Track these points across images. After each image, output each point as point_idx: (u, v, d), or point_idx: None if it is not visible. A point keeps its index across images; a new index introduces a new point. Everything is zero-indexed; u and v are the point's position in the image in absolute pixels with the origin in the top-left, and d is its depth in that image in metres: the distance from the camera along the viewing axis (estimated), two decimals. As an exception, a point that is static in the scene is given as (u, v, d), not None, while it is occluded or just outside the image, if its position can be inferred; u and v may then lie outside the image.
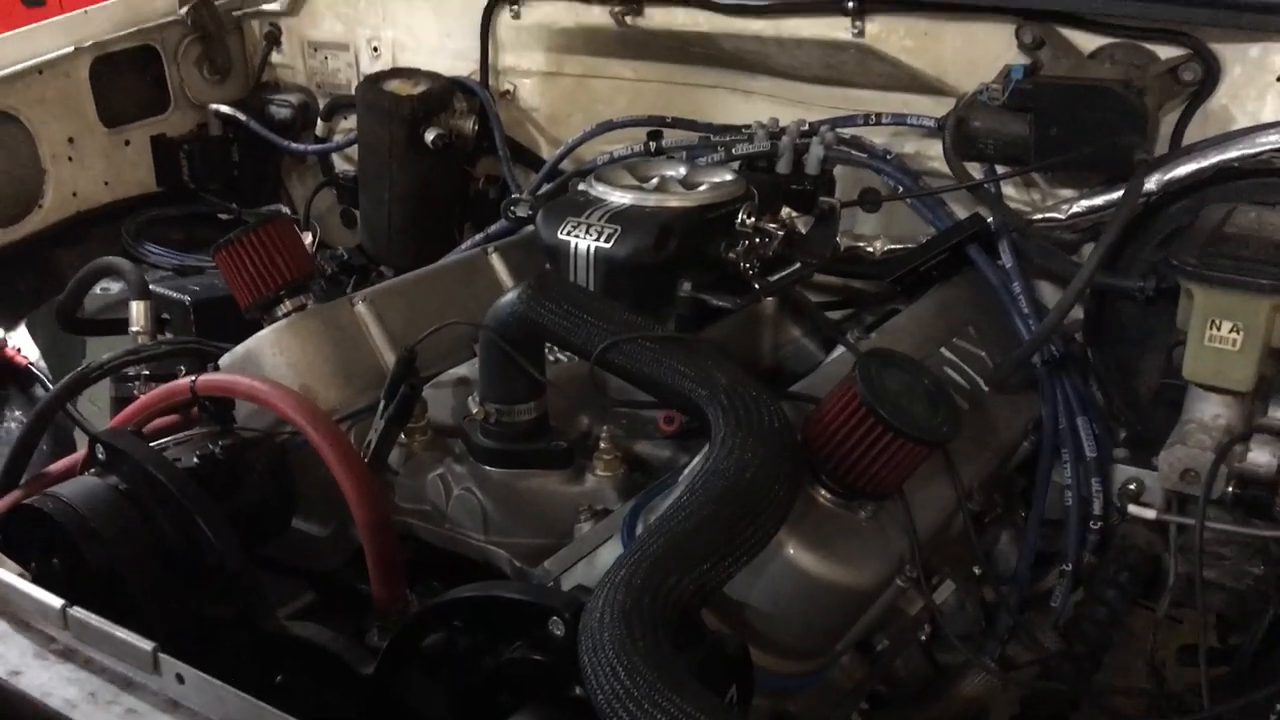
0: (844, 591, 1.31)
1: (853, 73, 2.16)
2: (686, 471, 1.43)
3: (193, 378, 1.62)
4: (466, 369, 1.73)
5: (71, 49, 2.54)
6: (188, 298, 2.26)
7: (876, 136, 2.15)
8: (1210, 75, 1.74)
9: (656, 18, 2.24)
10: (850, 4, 1.99)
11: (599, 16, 2.30)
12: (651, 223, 1.66)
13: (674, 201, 1.72)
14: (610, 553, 1.42)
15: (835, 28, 2.04)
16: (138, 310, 2.16)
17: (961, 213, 1.97)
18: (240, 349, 1.78)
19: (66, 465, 1.79)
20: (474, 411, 1.56)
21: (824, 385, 1.54)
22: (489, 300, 2.02)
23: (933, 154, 2.12)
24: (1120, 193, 1.77)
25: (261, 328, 1.85)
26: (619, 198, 1.74)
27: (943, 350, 1.71)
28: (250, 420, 1.69)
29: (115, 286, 2.41)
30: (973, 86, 1.94)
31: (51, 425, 1.88)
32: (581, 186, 1.82)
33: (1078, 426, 1.75)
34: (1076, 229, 1.86)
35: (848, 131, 2.12)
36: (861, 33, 2.01)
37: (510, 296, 1.48)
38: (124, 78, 2.67)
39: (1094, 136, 1.75)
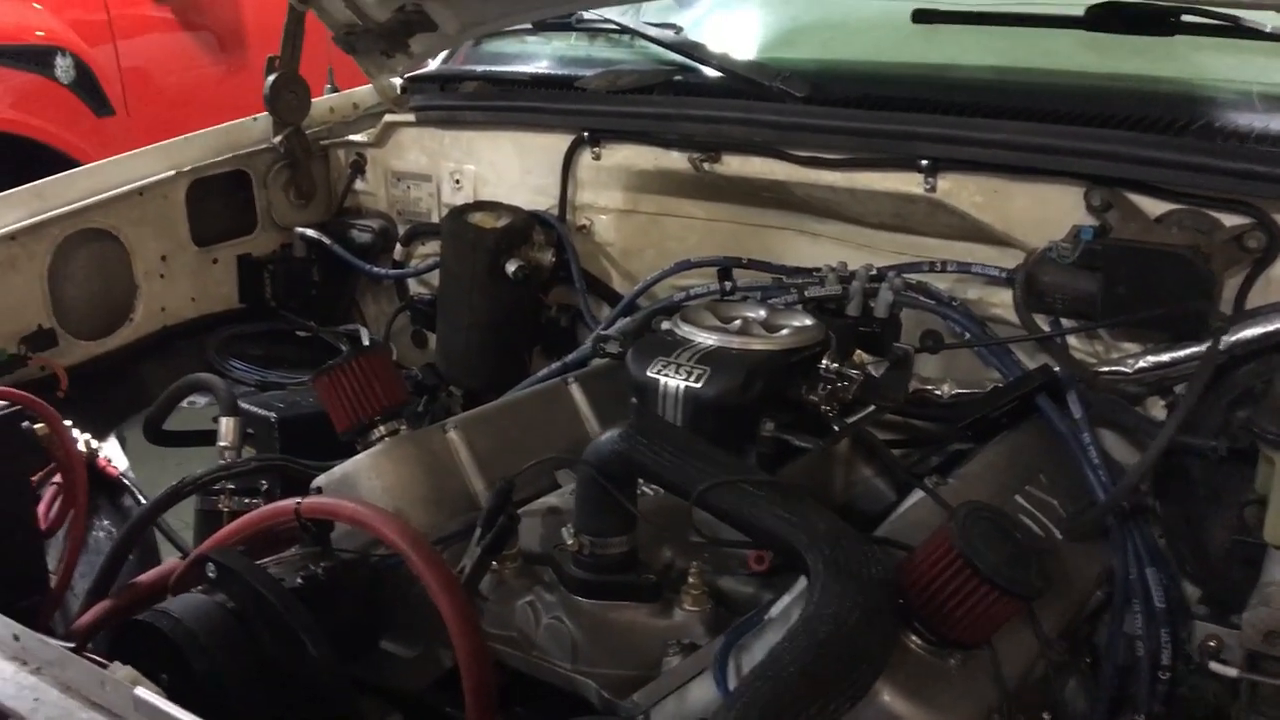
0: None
1: (920, 222, 2.26)
2: (776, 610, 1.48)
3: (297, 501, 1.69)
4: (556, 499, 1.80)
5: (172, 173, 2.68)
6: (273, 415, 2.34)
7: (940, 283, 2.24)
8: (1274, 242, 1.83)
9: (733, 165, 2.35)
10: (924, 162, 2.10)
11: (677, 161, 2.42)
12: (739, 365, 1.74)
13: (759, 345, 1.81)
14: (701, 689, 1.46)
15: (908, 182, 2.15)
16: (227, 426, 2.25)
17: (1027, 362, 2.05)
18: (337, 471, 1.86)
19: (157, 577, 1.86)
20: (568, 542, 1.62)
21: (906, 530, 1.61)
22: (569, 428, 2.13)
23: (994, 301, 2.21)
24: (1187, 351, 1.84)
25: (353, 450, 1.94)
26: (705, 339, 1.83)
27: (1017, 498, 1.76)
28: (341, 540, 1.75)
29: (201, 400, 2.50)
30: (1040, 242, 2.04)
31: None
32: (666, 325, 1.91)
33: (1147, 577, 1.79)
34: (1141, 383, 1.93)
35: (914, 277, 2.21)
36: (933, 188, 2.12)
37: (611, 435, 1.56)
38: (216, 200, 2.80)
39: (1161, 297, 1.83)
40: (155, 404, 2.38)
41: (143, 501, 2.21)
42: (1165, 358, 1.88)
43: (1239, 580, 1.68)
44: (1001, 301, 2.21)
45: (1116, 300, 1.87)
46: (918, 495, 1.74)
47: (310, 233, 2.90)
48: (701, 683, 1.47)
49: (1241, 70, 2.13)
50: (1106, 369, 1.94)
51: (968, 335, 2.13)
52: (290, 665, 1.54)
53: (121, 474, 2.30)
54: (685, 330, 1.87)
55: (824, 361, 1.77)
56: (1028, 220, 2.06)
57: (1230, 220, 1.86)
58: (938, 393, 2.09)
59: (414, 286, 2.94)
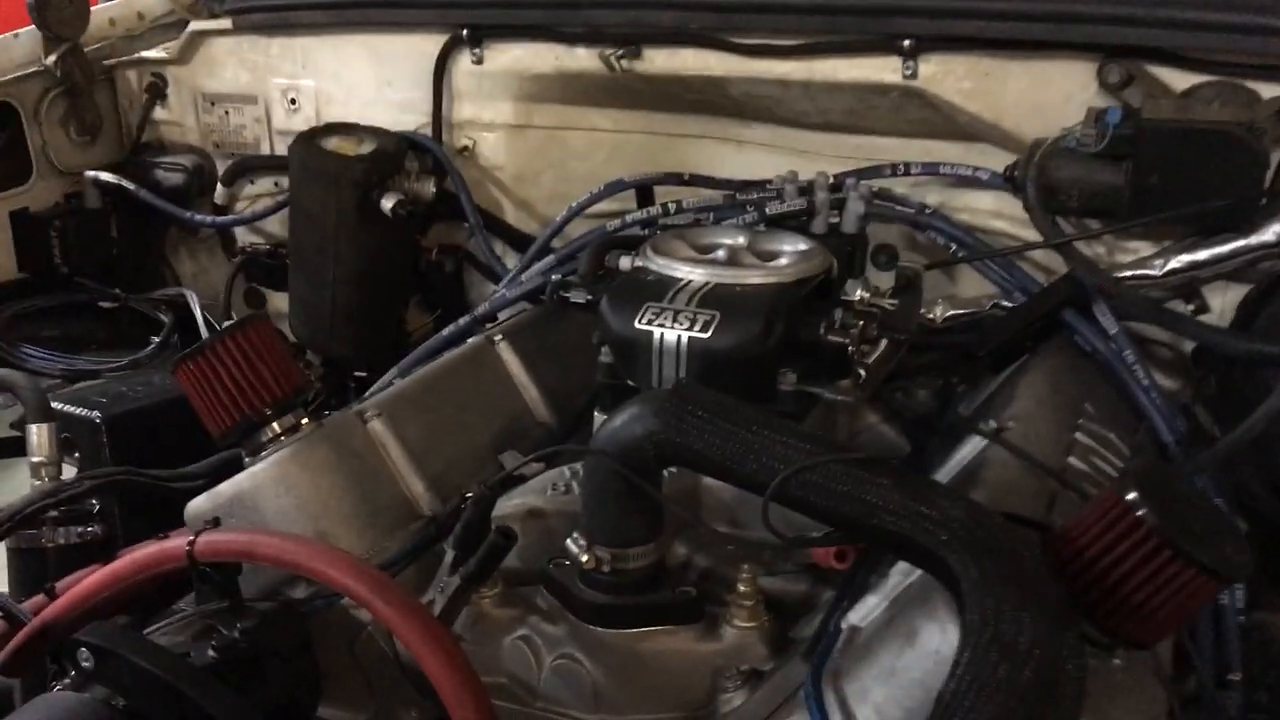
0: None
1: (879, 120, 1.94)
2: (869, 615, 1.16)
3: (188, 538, 1.21)
4: (536, 497, 1.39)
5: (-90, 108, 2.05)
6: (97, 414, 1.81)
7: (897, 189, 1.94)
8: (1323, 114, 1.60)
9: (657, 61, 1.95)
10: (906, 42, 1.76)
11: (583, 60, 2.00)
12: (755, 305, 1.38)
13: (765, 277, 1.45)
14: (796, 733, 1.12)
15: (882, 69, 1.81)
16: (38, 435, 1.70)
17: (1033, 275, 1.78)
18: (226, 489, 1.38)
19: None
20: (579, 556, 1.23)
21: (995, 496, 1.29)
22: (501, 397, 1.71)
23: (959, 206, 1.94)
24: (1230, 246, 1.61)
25: (213, 453, 1.47)
26: (694, 275, 1.45)
27: (1078, 436, 1.48)
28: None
29: (-8, 403, 1.94)
30: (1035, 133, 1.76)
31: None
32: (638, 263, 1.52)
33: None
34: (1166, 287, 1.69)
35: (873, 184, 1.90)
36: (914, 74, 1.79)
37: (636, 414, 1.16)
38: (-29, 142, 2.18)
39: (1202, 185, 1.58)
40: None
41: (-67, 548, 1.65)
42: (1201, 255, 1.63)
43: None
44: (970, 206, 1.94)
45: (1147, 193, 1.61)
46: (974, 446, 1.42)
47: (106, 176, 2.32)
48: (794, 727, 1.13)
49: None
50: (1129, 273, 1.69)
51: (954, 248, 1.83)
52: (218, 775, 1.10)
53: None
54: (662, 265, 1.48)
55: (857, 293, 1.43)
56: (1024, 107, 1.77)
57: (1271, 90, 1.61)
58: (930, 316, 1.79)
59: (243, 235, 2.41)
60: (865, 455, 1.11)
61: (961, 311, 1.80)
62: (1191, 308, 1.70)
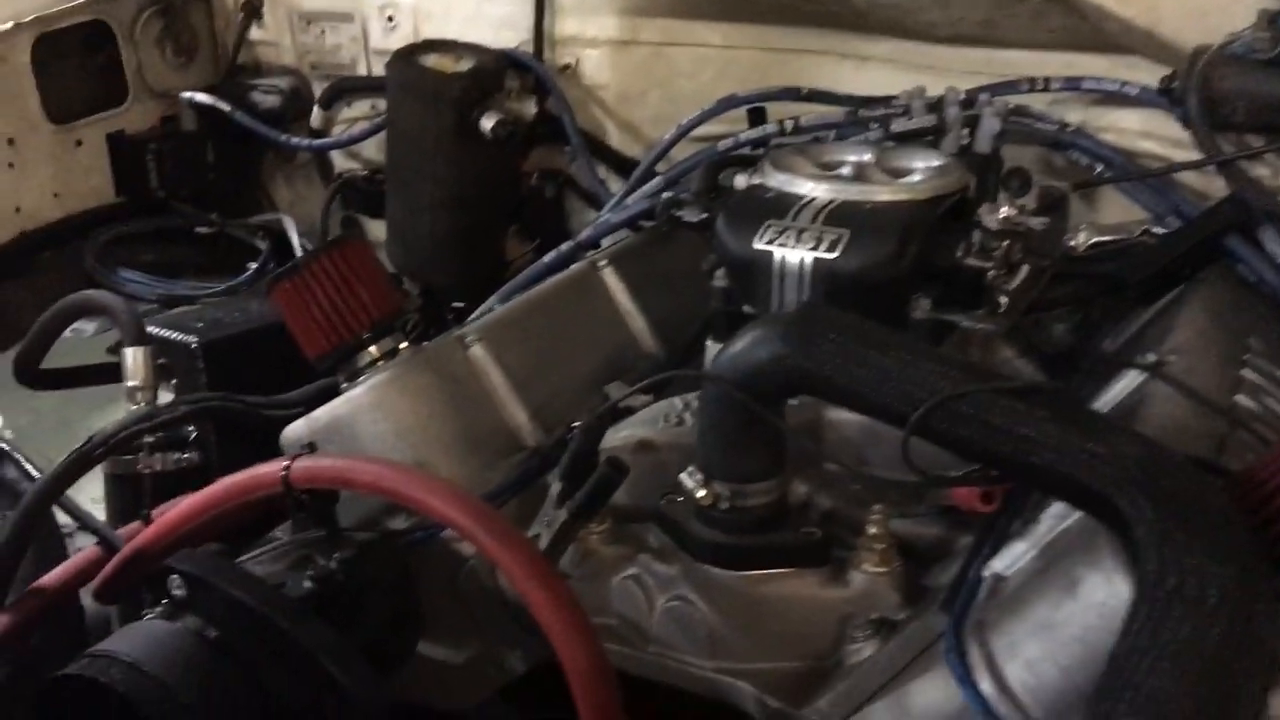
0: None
1: (1015, 30, 1.78)
2: (1005, 565, 1.04)
3: (284, 463, 1.15)
4: (644, 428, 1.29)
5: (9, 25, 2.00)
6: (194, 339, 1.76)
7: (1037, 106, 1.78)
8: None
9: (777, -36, 1.82)
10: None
11: (693, -33, 1.88)
12: (887, 224, 1.26)
13: (897, 194, 1.32)
14: (933, 691, 1.02)
15: (1026, -30, 1.65)
16: (134, 359, 1.66)
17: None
18: (323, 414, 1.32)
19: (68, 575, 1.32)
20: (695, 492, 1.13)
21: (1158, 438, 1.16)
22: (605, 325, 1.62)
23: (1103, 125, 1.77)
24: None
25: (332, 380, 1.40)
26: (819, 191, 1.33)
27: (1245, 373, 1.33)
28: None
29: (89, 328, 1.90)
30: (1195, 41, 1.59)
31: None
32: (755, 180, 1.40)
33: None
34: (1341, 211, 1.51)
35: (1008, 100, 1.75)
36: (1066, -27, 1.63)
37: (761, 337, 1.06)
38: (72, 61, 2.14)
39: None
40: (28, 336, 1.77)
41: (31, 471, 1.62)
42: (1387, 176, 1.46)
43: None
44: (1115, 125, 1.77)
45: (1326, 104, 1.44)
46: (1129, 381, 1.29)
47: (202, 98, 2.26)
48: (929, 682, 1.02)
49: None
50: (1302, 196, 1.52)
51: (1099, 168, 1.68)
52: (314, 712, 1.04)
53: (-5, 436, 1.71)
54: (782, 182, 1.37)
55: (1002, 211, 1.29)
56: (1184, 10, 1.59)
57: None
58: (1072, 244, 1.64)
59: (340, 161, 2.35)
60: (1023, 383, 1.00)
61: (1107, 239, 1.64)
62: (1368, 236, 1.53)
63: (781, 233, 1.28)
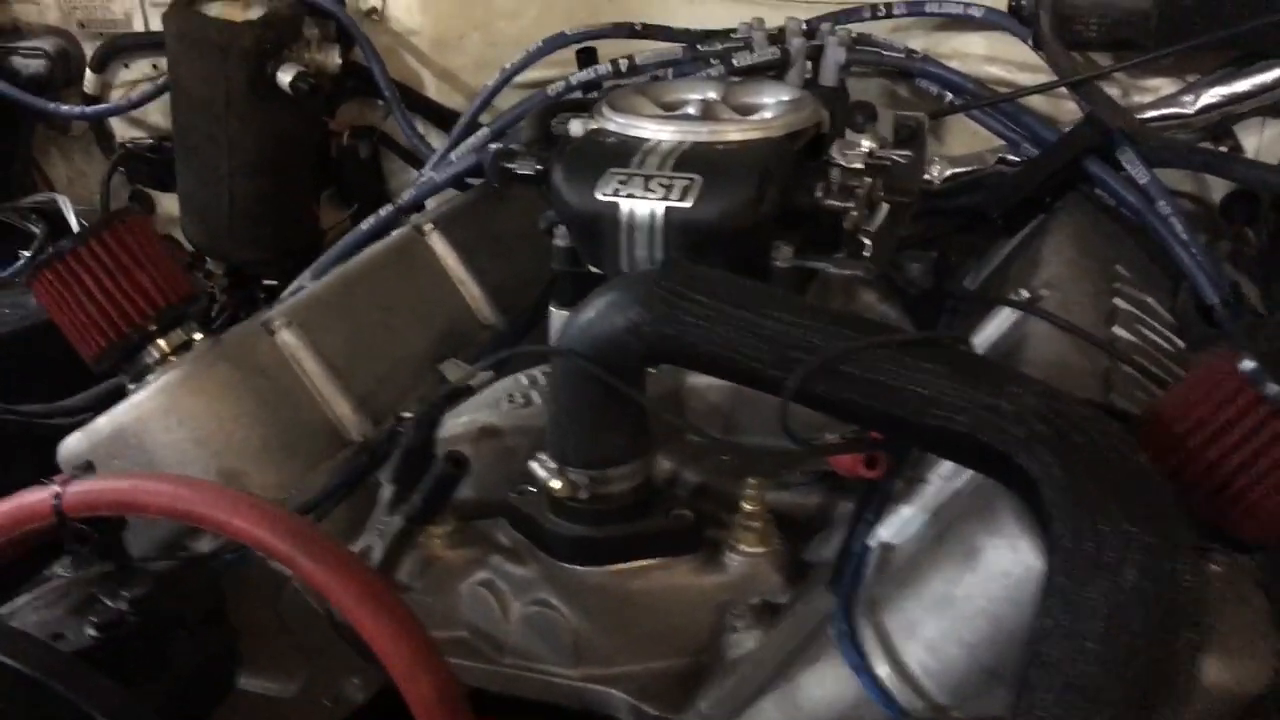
0: (1230, 698, 0.86)
1: (849, -46, 1.68)
2: (890, 534, 0.95)
3: (54, 490, 0.96)
4: (490, 413, 1.13)
5: None
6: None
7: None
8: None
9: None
10: None
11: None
12: (745, 165, 1.13)
13: (750, 133, 1.20)
14: (826, 682, 0.91)
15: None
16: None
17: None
18: (104, 424, 1.12)
19: None
20: (549, 482, 0.99)
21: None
22: (435, 296, 1.45)
23: (946, 52, 1.70)
24: (1273, 73, 1.39)
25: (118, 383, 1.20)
26: (668, 134, 1.19)
27: (1117, 301, 1.27)
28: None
29: None
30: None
31: None
32: (593, 125, 1.25)
33: None
34: (1199, 127, 1.47)
35: (850, 29, 1.65)
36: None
37: (615, 302, 0.92)
38: None
39: (1239, 6, 1.35)
40: None
41: None
42: (1240, 87, 1.42)
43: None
44: (959, 51, 1.71)
45: (1179, 17, 1.38)
46: (1003, 320, 1.21)
47: (-53, 66, 1.98)
48: (820, 672, 0.92)
49: None
50: (1156, 112, 1.47)
51: (949, 96, 1.60)
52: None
53: None
54: (622, 125, 1.22)
55: (864, 145, 1.18)
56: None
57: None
58: (927, 178, 1.56)
59: (123, 129, 2.09)
60: (912, 335, 0.89)
61: (963, 170, 1.57)
62: (1224, 148, 1.50)
63: (627, 181, 1.13)
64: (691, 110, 1.28)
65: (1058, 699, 0.71)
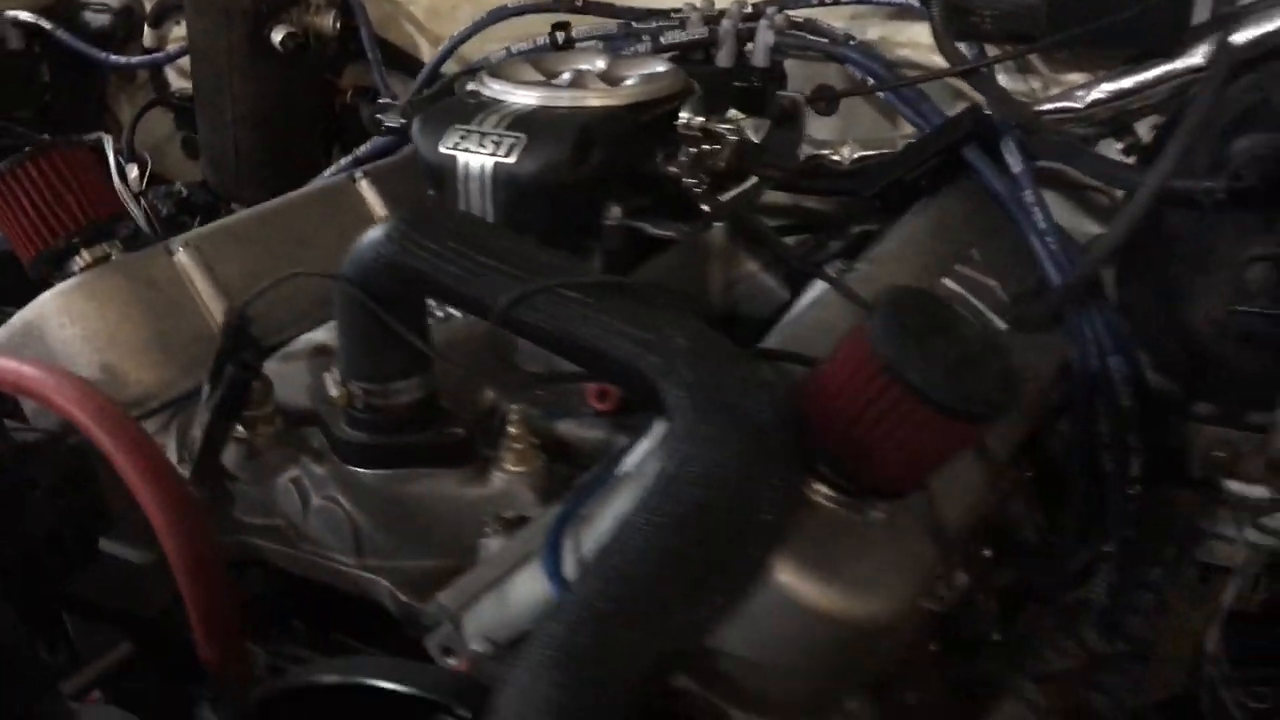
0: (854, 626, 0.93)
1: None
2: (630, 463, 1.04)
3: (-64, 364, 1.16)
4: (325, 333, 1.29)
5: None
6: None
7: (832, 21, 1.75)
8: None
9: None
10: None
11: None
12: (567, 127, 1.24)
13: (595, 100, 1.30)
14: (529, 582, 1.02)
15: None
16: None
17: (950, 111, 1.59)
18: (17, 320, 1.32)
19: None
20: (330, 391, 1.14)
21: (805, 337, 1.16)
22: (355, 238, 1.60)
23: (902, 40, 1.74)
24: (1157, 71, 1.40)
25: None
26: (522, 98, 1.32)
27: (945, 281, 1.32)
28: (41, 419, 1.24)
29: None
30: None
31: None
32: (471, 86, 1.39)
33: (1110, 369, 1.39)
34: (1093, 121, 1.49)
35: (798, 14, 1.72)
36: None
37: (375, 235, 1.06)
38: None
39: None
40: None
41: None
42: (1126, 83, 1.43)
43: (1234, 363, 1.29)
44: (910, 39, 1.74)
45: (1067, 10, 1.41)
46: (819, 289, 1.28)
47: (26, 17, 2.24)
48: (529, 574, 1.03)
49: None
50: (1049, 106, 1.49)
51: (870, 81, 1.65)
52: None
53: None
54: (494, 89, 1.35)
55: (685, 117, 1.28)
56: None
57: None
58: (836, 158, 1.62)
59: (176, 80, 2.33)
60: (601, 279, 0.99)
61: (872, 152, 1.63)
62: (1121, 146, 1.51)
63: (465, 137, 1.27)
64: (564, 79, 1.40)
65: (601, 577, 0.81)
